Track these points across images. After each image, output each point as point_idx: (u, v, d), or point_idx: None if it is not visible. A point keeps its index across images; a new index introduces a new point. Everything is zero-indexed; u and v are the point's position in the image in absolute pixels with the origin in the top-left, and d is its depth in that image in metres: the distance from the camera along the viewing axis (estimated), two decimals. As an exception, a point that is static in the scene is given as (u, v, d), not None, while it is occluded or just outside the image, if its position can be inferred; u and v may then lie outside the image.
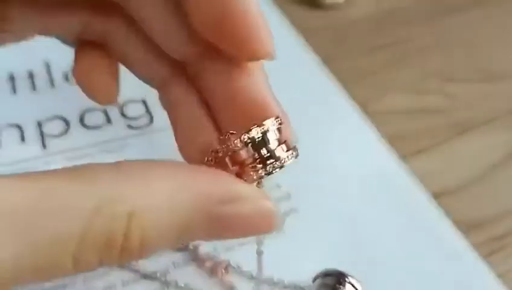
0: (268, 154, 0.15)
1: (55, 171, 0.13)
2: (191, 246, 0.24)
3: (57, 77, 0.31)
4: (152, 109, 0.29)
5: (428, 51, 0.35)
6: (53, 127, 0.28)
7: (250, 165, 0.15)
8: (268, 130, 0.15)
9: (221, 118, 0.17)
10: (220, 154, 0.15)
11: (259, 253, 0.18)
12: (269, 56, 0.15)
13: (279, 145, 0.15)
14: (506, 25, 0.38)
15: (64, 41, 0.19)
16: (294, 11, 0.37)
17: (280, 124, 0.15)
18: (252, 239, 0.23)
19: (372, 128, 0.29)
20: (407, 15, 0.38)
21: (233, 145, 0.15)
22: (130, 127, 0.28)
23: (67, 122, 0.28)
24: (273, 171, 0.15)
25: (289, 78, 0.32)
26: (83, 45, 0.19)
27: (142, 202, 0.13)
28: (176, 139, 0.18)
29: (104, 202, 0.12)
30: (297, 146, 0.16)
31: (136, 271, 0.22)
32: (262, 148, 0.15)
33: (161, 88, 0.19)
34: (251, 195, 0.14)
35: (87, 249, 0.12)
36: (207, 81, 0.17)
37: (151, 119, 0.29)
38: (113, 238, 0.12)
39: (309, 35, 0.35)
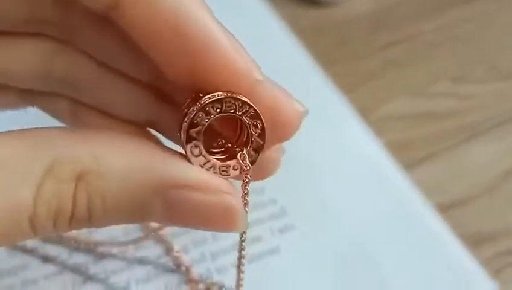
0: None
1: (7, 134, 0.12)
2: (183, 268, 0.23)
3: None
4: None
5: (436, 49, 0.34)
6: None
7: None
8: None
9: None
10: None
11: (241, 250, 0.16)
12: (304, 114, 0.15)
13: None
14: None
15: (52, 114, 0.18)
16: (290, 9, 0.35)
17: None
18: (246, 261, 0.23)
19: (374, 136, 0.28)
20: (412, 9, 0.36)
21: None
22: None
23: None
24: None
25: (284, 83, 0.30)
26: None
27: (91, 167, 0.12)
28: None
29: (56, 163, 0.12)
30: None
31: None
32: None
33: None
34: (214, 186, 0.13)
35: (42, 213, 0.12)
36: None
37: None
38: (62, 202, 0.12)
39: (306, 35, 0.33)
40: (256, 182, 0.25)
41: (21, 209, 0.12)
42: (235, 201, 0.13)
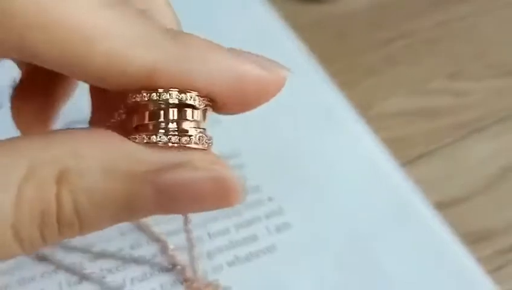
0: (176, 131, 0.13)
1: None
2: (178, 267, 0.23)
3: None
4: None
5: (434, 45, 0.33)
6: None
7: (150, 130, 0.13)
8: (194, 103, 0.13)
9: None
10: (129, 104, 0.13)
11: (188, 231, 0.17)
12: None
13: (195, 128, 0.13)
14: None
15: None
16: (286, 5, 0.35)
17: (209, 105, 0.13)
18: (241, 259, 0.23)
19: (371, 133, 0.28)
20: (411, 5, 0.36)
21: (143, 98, 0.12)
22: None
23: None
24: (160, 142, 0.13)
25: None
26: (18, 95, 0.17)
27: (71, 164, 0.12)
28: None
29: (33, 167, 0.12)
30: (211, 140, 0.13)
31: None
32: (174, 119, 0.13)
33: None
34: (201, 160, 0.13)
35: (25, 221, 0.12)
36: None
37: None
38: (46, 206, 0.12)
39: (303, 31, 0.32)
40: (253, 180, 0.25)
41: (1, 215, 0.11)
42: (228, 172, 0.13)
